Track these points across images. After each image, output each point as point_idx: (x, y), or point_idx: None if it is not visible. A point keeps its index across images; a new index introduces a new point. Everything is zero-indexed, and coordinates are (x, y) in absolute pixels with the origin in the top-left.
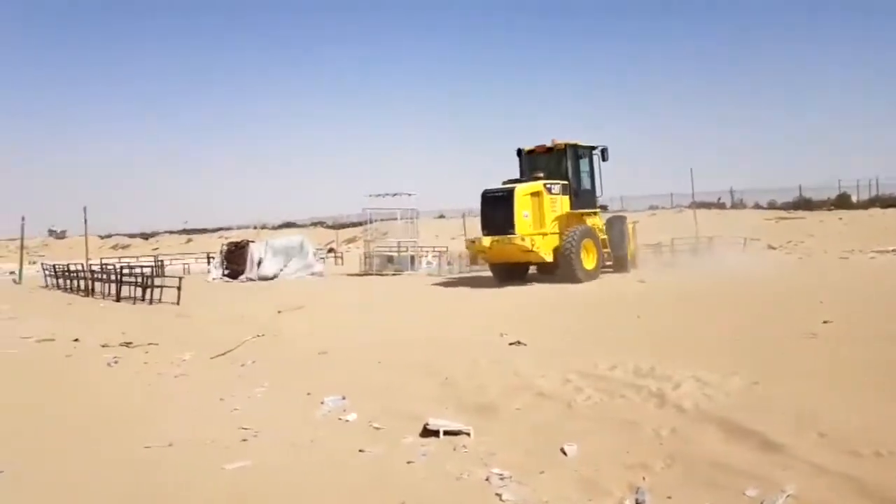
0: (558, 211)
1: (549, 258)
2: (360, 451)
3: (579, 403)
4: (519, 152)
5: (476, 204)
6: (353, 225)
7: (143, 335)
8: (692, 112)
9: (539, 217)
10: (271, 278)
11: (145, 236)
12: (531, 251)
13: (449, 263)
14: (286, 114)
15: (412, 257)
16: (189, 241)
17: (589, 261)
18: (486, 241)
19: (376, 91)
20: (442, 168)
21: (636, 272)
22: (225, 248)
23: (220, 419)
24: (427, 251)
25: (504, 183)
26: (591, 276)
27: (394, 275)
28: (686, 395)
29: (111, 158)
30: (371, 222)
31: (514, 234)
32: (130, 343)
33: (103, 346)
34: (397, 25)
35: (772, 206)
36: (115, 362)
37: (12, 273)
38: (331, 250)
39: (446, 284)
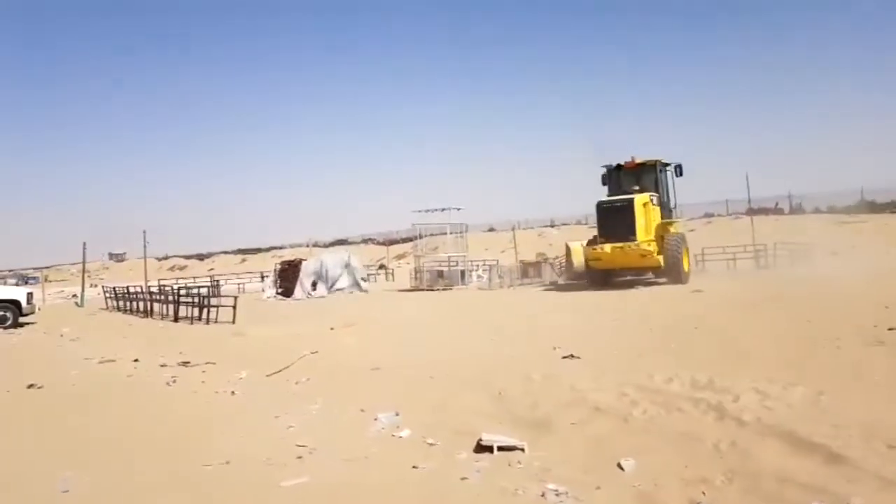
0: (656, 220)
1: (663, 263)
2: (413, 467)
3: (636, 417)
4: (608, 168)
5: (525, 216)
6: (404, 241)
7: (200, 354)
8: (747, 115)
9: (648, 225)
10: (323, 296)
11: (201, 257)
12: (649, 256)
13: (500, 277)
14: (336, 133)
15: (462, 272)
16: (243, 260)
17: (686, 263)
18: (608, 247)
19: (425, 108)
20: (492, 181)
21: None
22: (278, 266)
23: (275, 436)
24: (477, 265)
25: (609, 194)
26: (687, 276)
27: (444, 289)
28: (746, 408)
29: (168, 182)
30: (420, 237)
31: (635, 240)
32: (188, 362)
33: (162, 366)
34: (442, 40)
35: (832, 210)
36: (174, 381)
37: (75, 296)
38: (382, 266)
39: (497, 298)
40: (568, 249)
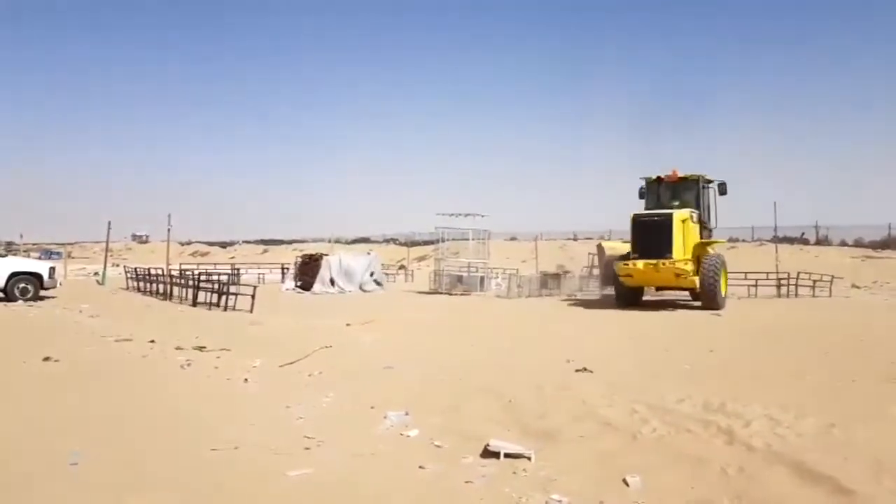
0: (695, 239)
1: (699, 284)
2: (420, 467)
3: (645, 435)
4: (647, 180)
5: (548, 228)
6: (426, 243)
7: (216, 340)
8: (777, 143)
9: (686, 243)
10: (342, 292)
11: (223, 245)
12: (685, 276)
13: (519, 286)
14: (365, 132)
15: (482, 278)
16: (265, 251)
17: (723, 287)
18: (640, 264)
19: (457, 113)
20: (518, 191)
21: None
22: (299, 260)
23: (285, 426)
24: (497, 273)
25: (647, 208)
26: (724, 302)
27: (462, 294)
28: (757, 434)
29: (195, 167)
30: (443, 241)
31: (671, 257)
32: (204, 347)
33: (177, 349)
34: (474, 47)
35: (858, 243)
36: (188, 365)
37: (96, 274)
38: (402, 267)
39: (515, 307)
40: (601, 249)
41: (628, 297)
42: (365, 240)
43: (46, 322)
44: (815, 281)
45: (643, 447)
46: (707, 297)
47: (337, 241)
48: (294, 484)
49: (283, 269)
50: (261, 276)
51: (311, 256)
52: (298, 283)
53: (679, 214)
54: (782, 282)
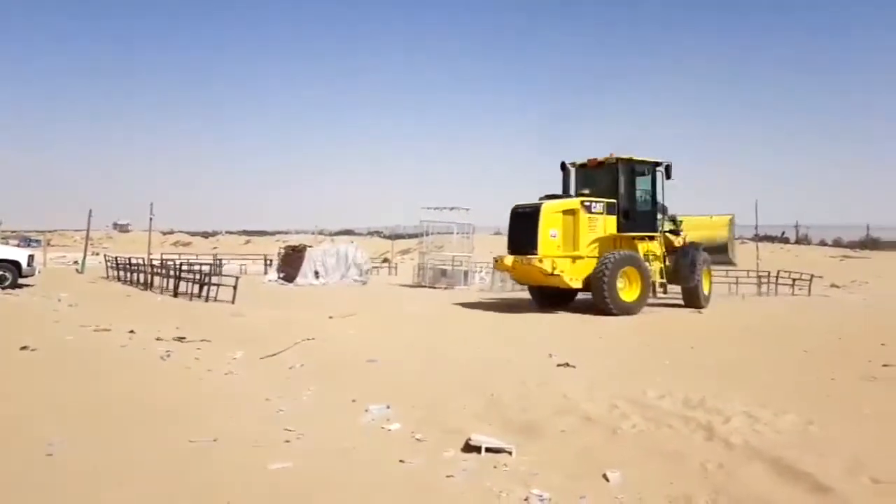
0: (600, 232)
1: (577, 285)
2: (400, 461)
3: (625, 430)
4: (563, 166)
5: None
6: (410, 236)
7: (196, 331)
8: (760, 142)
9: (572, 238)
10: (325, 284)
11: (206, 235)
12: (553, 275)
13: (502, 280)
14: (350, 125)
15: (465, 272)
16: (247, 242)
17: (629, 291)
18: (508, 259)
19: (442, 107)
20: (503, 186)
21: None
22: (282, 251)
23: (265, 419)
24: (480, 267)
25: (541, 199)
26: (630, 308)
27: (446, 288)
28: (736, 430)
29: (178, 157)
30: (427, 235)
31: (535, 254)
32: (184, 338)
33: (157, 340)
34: (466, 38)
35: (837, 243)
36: (168, 356)
37: (76, 262)
38: (385, 260)
39: (498, 301)
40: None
41: (542, 297)
42: (349, 232)
43: (25, 310)
44: (794, 279)
45: (623, 442)
46: (595, 300)
47: (321, 233)
48: (274, 477)
49: (265, 260)
50: (243, 267)
51: (294, 248)
52: (281, 275)
53: (557, 205)
54: (762, 280)
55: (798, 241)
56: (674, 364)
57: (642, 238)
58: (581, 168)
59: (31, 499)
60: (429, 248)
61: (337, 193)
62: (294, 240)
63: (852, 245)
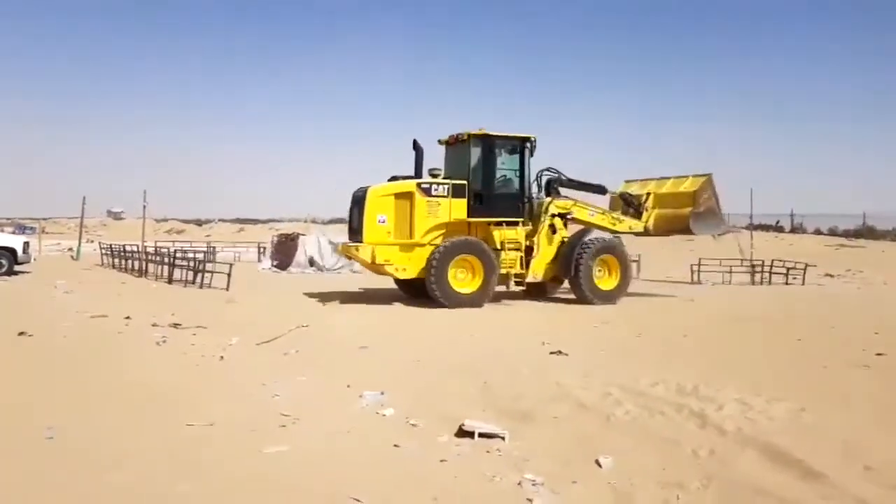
0: (443, 218)
1: (406, 275)
2: (395, 445)
3: (618, 417)
4: (415, 144)
5: None
6: None
7: (192, 318)
8: (754, 130)
9: (405, 224)
10: (318, 272)
11: (199, 223)
12: (379, 265)
13: None
14: (343, 112)
15: None
16: (241, 230)
17: (466, 283)
18: (342, 247)
19: (433, 96)
20: None
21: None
22: (276, 239)
23: (261, 404)
24: None
25: (389, 180)
26: (468, 301)
27: None
28: (728, 417)
29: (171, 144)
30: None
31: (360, 242)
32: (179, 324)
33: (153, 326)
34: (454, 25)
35: (833, 232)
36: (164, 342)
37: (70, 250)
38: None
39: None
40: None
41: (407, 287)
42: (342, 220)
43: (21, 297)
44: (788, 269)
45: (616, 429)
46: (429, 292)
47: (313, 221)
48: (270, 460)
49: (259, 248)
50: (237, 255)
51: (287, 236)
52: (275, 263)
53: (386, 188)
54: (756, 269)
55: (793, 230)
56: (667, 352)
57: (500, 224)
58: (447, 146)
59: (31, 483)
60: None
61: (330, 181)
62: (286, 227)
63: (847, 234)
